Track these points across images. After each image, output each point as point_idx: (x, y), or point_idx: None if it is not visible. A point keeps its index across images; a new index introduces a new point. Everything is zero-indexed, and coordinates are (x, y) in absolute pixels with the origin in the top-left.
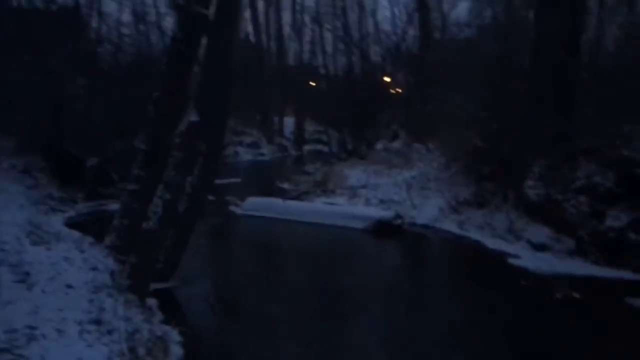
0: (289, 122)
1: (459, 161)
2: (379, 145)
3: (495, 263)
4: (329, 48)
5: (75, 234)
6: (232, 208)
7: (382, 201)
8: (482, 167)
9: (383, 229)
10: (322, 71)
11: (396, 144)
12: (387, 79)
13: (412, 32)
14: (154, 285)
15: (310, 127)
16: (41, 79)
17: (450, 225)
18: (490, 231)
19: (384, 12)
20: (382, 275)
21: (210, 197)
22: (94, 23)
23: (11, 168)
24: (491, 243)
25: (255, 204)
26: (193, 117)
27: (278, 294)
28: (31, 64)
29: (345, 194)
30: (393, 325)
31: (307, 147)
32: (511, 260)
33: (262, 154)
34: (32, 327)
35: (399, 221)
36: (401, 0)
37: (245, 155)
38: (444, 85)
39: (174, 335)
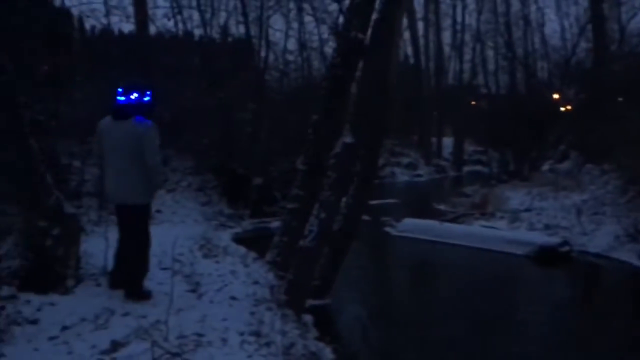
0: (448, 142)
1: (639, 184)
2: (545, 166)
3: None
4: (490, 66)
5: (241, 249)
6: (387, 229)
7: (547, 226)
8: None
9: (548, 257)
10: (484, 90)
11: (565, 165)
12: (555, 96)
13: (584, 45)
14: (310, 302)
15: (469, 147)
16: (217, 105)
17: (628, 255)
18: None
19: (551, 26)
20: (546, 308)
21: (365, 217)
22: (263, 52)
23: (188, 186)
24: None
25: (410, 225)
26: (349, 138)
27: (434, 317)
28: (209, 91)
29: (505, 217)
30: None
31: (465, 168)
32: None
33: (419, 175)
34: (199, 335)
35: (566, 248)
36: (571, 13)
37: (402, 176)
38: (621, 102)
39: (327, 352)
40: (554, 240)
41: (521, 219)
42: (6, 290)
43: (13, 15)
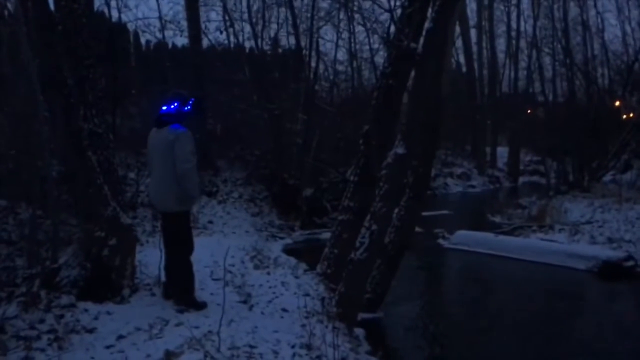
0: (502, 152)
1: None
2: (607, 177)
3: None
4: (547, 73)
5: (292, 260)
6: (440, 241)
7: (610, 239)
8: None
9: (611, 272)
10: (540, 98)
11: (628, 175)
12: (617, 104)
13: None
14: (362, 315)
15: (525, 157)
16: (268, 116)
17: None
18: None
19: (612, 31)
20: (613, 327)
21: (418, 229)
22: (313, 63)
23: (239, 197)
24: None
25: (464, 238)
26: (401, 149)
27: (492, 334)
28: (260, 103)
29: (565, 230)
30: None
31: (521, 179)
32: None
33: (473, 186)
34: (251, 346)
35: (631, 263)
36: (633, 17)
37: (455, 186)
38: None
39: None
40: (618, 254)
41: (582, 232)
42: (65, 299)
43: (77, 33)
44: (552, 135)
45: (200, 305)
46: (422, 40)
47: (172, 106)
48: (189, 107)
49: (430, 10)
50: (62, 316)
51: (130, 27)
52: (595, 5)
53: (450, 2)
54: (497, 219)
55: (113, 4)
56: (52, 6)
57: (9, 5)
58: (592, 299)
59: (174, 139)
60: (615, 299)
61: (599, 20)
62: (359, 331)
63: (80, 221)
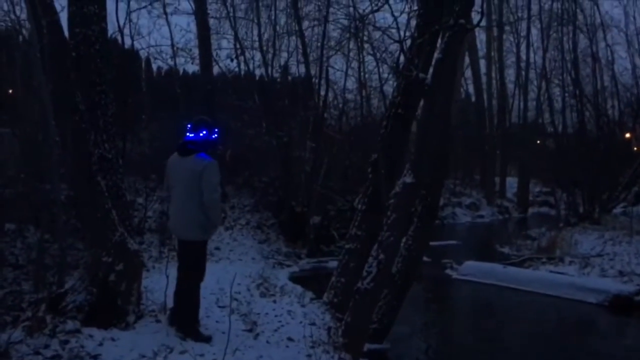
0: (511, 182)
1: None
2: (617, 209)
3: None
4: (557, 104)
5: (298, 288)
6: (448, 271)
7: (621, 273)
8: None
9: (622, 305)
10: (550, 129)
11: (639, 208)
12: (627, 135)
13: None
14: (368, 346)
15: (535, 188)
16: (276, 143)
17: None
18: None
19: (622, 63)
20: None
21: (426, 259)
22: (322, 91)
23: (246, 224)
24: None
25: (472, 268)
26: (409, 178)
27: None
28: (269, 130)
29: (575, 262)
30: None
31: (531, 210)
32: None
33: (482, 216)
34: None
35: None
36: None
37: (464, 216)
38: None
39: None
40: (629, 288)
41: (592, 265)
42: (70, 325)
43: (90, 59)
44: (562, 166)
45: (203, 338)
46: (431, 70)
47: (201, 134)
48: (215, 135)
49: (439, 41)
50: (67, 342)
51: (143, 54)
52: (604, 38)
53: (459, 34)
54: (506, 250)
55: (126, 31)
56: (66, 32)
57: (24, 31)
58: (602, 332)
59: (202, 169)
60: (626, 333)
61: (609, 52)
62: None
63: (87, 246)
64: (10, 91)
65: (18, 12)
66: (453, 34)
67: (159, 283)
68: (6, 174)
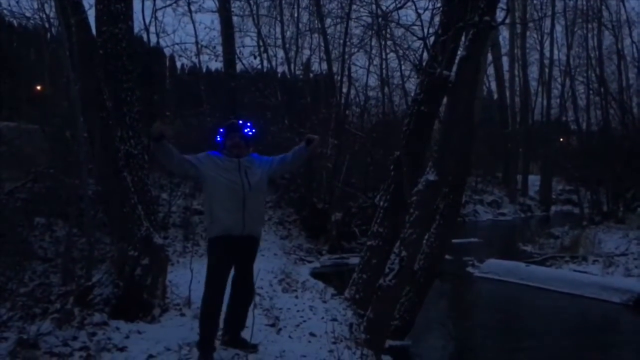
0: (534, 180)
1: None
2: None
3: None
4: (581, 102)
5: (320, 284)
6: (470, 269)
7: None
8: None
9: None
10: (573, 126)
11: None
12: None
13: None
14: (389, 342)
15: (558, 186)
16: (298, 140)
17: None
18: None
19: None
20: None
21: (448, 257)
22: (344, 88)
23: (269, 219)
24: None
25: (494, 266)
26: (432, 175)
27: None
28: (291, 126)
29: (599, 261)
30: None
31: (553, 208)
32: None
33: (503, 214)
34: None
35: None
36: None
37: (485, 214)
38: None
39: None
40: None
41: (616, 264)
42: (98, 317)
43: (117, 57)
44: (586, 165)
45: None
46: (455, 68)
47: (250, 133)
48: (254, 132)
49: (463, 38)
50: (94, 334)
51: (167, 51)
52: (630, 35)
53: (483, 31)
54: (529, 248)
55: (152, 29)
56: (93, 31)
57: (52, 29)
58: (627, 332)
59: (269, 162)
60: None
61: (634, 49)
62: (387, 359)
63: (114, 240)
64: (39, 88)
65: (47, 10)
66: (477, 32)
67: (184, 277)
68: (36, 170)
